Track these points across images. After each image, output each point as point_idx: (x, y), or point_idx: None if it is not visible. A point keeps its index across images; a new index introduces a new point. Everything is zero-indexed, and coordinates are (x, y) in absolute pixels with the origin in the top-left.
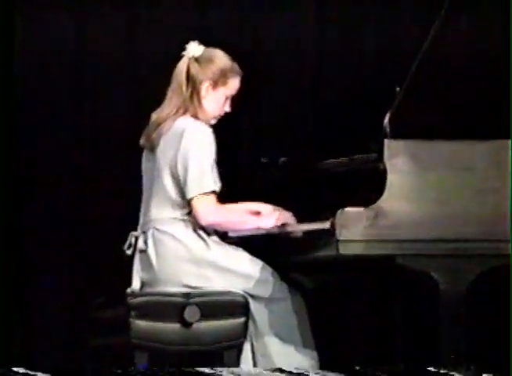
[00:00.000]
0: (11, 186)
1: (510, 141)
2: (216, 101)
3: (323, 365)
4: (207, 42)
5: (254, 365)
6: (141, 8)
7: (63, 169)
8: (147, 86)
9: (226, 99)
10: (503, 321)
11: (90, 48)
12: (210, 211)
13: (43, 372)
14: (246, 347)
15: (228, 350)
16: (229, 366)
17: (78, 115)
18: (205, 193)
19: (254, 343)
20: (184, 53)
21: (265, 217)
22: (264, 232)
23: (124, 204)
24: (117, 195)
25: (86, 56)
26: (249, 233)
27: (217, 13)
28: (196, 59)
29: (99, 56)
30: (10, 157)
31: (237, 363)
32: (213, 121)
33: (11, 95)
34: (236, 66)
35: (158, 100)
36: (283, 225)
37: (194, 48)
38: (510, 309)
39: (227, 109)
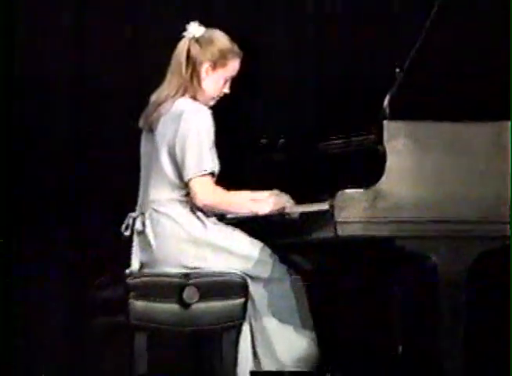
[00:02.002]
0: (9, 164)
1: (510, 122)
2: (215, 82)
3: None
4: (208, 23)
5: (253, 346)
6: None
7: (63, 150)
8: (147, 67)
9: (225, 80)
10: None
11: (90, 30)
12: (207, 193)
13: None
14: (245, 328)
15: (226, 331)
16: (228, 348)
17: (78, 94)
18: (203, 175)
19: (253, 324)
20: (184, 34)
21: (262, 201)
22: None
23: (124, 186)
24: (116, 176)
25: (86, 37)
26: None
27: None
28: (197, 40)
29: (100, 39)
30: (9, 129)
31: (236, 344)
32: (212, 103)
33: None
34: (235, 48)
35: (158, 81)
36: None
37: (194, 29)
38: (510, 295)
39: (226, 90)
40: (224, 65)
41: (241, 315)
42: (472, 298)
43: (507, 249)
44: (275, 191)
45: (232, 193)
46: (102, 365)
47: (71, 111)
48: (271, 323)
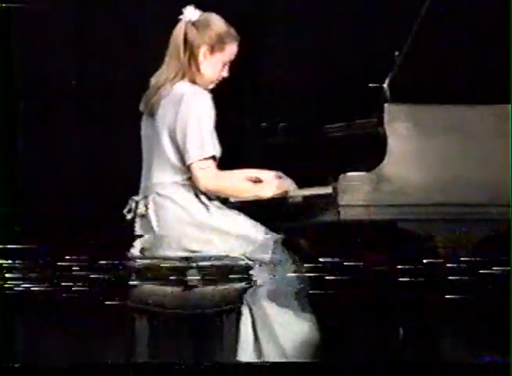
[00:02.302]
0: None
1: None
2: (213, 66)
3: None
4: (205, 6)
5: (254, 330)
6: None
7: (66, 132)
8: (147, 50)
9: (224, 64)
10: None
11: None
12: (210, 177)
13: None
14: (246, 311)
15: (227, 314)
16: (229, 330)
17: (81, 77)
18: (204, 159)
19: (253, 307)
20: (181, 17)
21: (264, 185)
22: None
23: (126, 169)
24: (119, 160)
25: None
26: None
27: None
28: (193, 24)
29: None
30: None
31: (236, 327)
32: (211, 86)
33: None
34: (232, 32)
35: (158, 64)
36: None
37: (191, 13)
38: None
39: (224, 74)
40: (222, 49)
41: (242, 298)
42: (475, 282)
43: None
44: (279, 173)
45: (236, 173)
46: (103, 348)
47: (73, 97)
48: (271, 306)
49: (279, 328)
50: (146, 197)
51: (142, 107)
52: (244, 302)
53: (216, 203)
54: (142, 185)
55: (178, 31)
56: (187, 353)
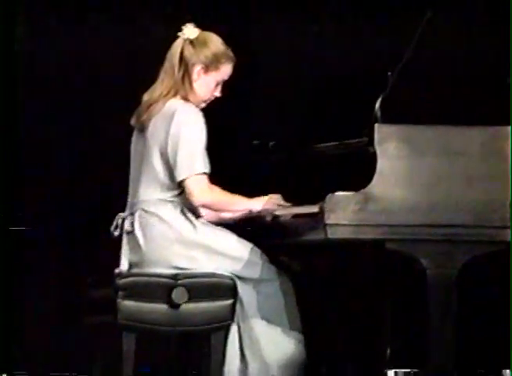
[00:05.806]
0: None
1: (502, 128)
2: (207, 85)
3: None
4: (201, 26)
5: (241, 347)
6: None
7: (57, 150)
8: (141, 68)
9: (217, 84)
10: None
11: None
12: (205, 191)
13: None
14: (234, 329)
15: (215, 332)
16: (216, 348)
17: (73, 97)
18: (197, 174)
19: (241, 325)
20: (179, 34)
21: (256, 200)
22: (254, 214)
23: (115, 185)
24: (108, 176)
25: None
26: (239, 216)
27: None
28: (191, 42)
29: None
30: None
31: (224, 345)
32: (203, 105)
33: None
34: (229, 52)
35: (151, 81)
36: (273, 208)
37: (190, 31)
38: (510, 298)
39: (217, 94)
40: (217, 68)
41: (229, 316)
42: (467, 302)
43: (502, 253)
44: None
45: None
46: (90, 364)
47: (65, 113)
48: (258, 324)
49: (264, 345)
50: (132, 214)
51: (133, 122)
52: (231, 320)
53: (203, 220)
54: (129, 201)
55: (176, 48)
56: (173, 370)
